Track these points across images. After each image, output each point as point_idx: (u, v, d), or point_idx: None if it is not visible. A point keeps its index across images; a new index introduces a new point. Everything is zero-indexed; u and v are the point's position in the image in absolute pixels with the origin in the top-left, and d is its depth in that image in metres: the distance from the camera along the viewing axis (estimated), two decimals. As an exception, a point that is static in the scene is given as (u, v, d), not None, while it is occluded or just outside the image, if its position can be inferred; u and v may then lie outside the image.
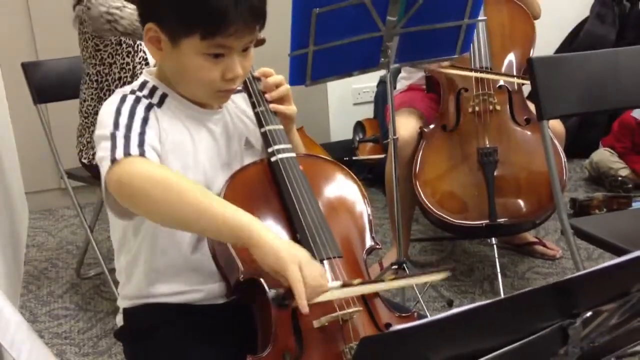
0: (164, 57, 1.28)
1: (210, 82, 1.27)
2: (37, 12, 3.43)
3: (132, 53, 2.47)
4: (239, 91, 1.45)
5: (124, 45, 2.46)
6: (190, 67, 1.25)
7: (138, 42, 2.46)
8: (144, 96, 1.29)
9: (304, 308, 1.11)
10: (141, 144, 1.19)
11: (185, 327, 1.32)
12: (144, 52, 2.47)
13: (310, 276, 1.12)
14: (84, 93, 2.56)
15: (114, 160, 1.17)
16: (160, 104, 1.30)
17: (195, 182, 1.21)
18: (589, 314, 0.81)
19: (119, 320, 1.41)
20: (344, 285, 1.18)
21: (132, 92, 1.29)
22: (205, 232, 1.22)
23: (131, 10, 2.34)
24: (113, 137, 1.20)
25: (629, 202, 3.05)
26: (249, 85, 1.40)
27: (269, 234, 1.13)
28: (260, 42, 1.57)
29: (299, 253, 1.14)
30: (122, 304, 1.40)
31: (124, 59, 2.46)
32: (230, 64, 1.25)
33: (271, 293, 1.14)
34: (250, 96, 1.40)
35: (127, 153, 1.17)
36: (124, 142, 1.18)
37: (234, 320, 1.30)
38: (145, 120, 1.24)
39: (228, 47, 1.23)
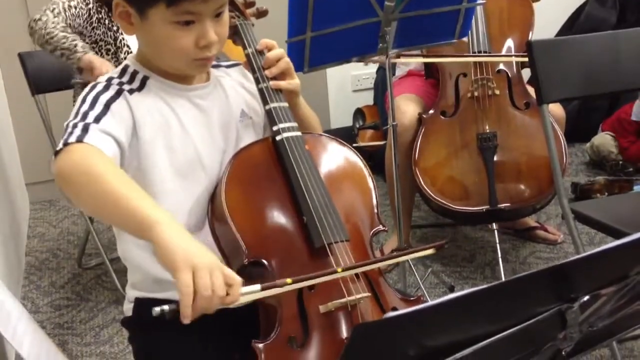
0: (136, 32, 1.27)
1: (184, 51, 1.24)
2: (33, 1, 3.41)
3: (113, 50, 2.44)
4: (235, 64, 1.43)
5: (101, 44, 2.44)
6: (162, 38, 1.23)
7: (120, 37, 2.43)
8: (119, 83, 1.28)
9: (185, 319, 1.02)
10: (85, 129, 1.17)
11: (194, 325, 1.31)
12: (128, 46, 2.45)
13: (204, 285, 1.01)
14: (75, 89, 2.56)
15: (55, 154, 1.15)
16: (141, 87, 1.29)
17: (121, 173, 1.15)
18: (586, 297, 0.80)
19: (127, 309, 1.40)
20: (265, 289, 1.10)
21: (108, 79, 1.29)
22: (118, 225, 1.17)
23: (41, 24, 2.29)
24: (66, 128, 1.18)
25: (630, 185, 3.04)
26: (252, 60, 1.38)
27: (172, 235, 1.04)
28: (263, 13, 1.53)
29: (196, 258, 1.02)
30: (132, 293, 1.38)
31: (103, 57, 2.42)
32: (203, 30, 1.22)
33: (155, 312, 1.03)
34: (253, 72, 1.38)
35: (66, 143, 1.15)
36: (69, 131, 1.17)
37: (242, 323, 1.29)
38: (107, 107, 1.22)
39: (197, 12, 1.21)
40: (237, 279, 1.05)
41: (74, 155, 1.14)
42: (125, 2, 1.23)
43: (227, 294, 1.04)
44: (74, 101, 2.56)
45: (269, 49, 1.39)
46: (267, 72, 1.36)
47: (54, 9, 2.34)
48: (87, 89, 1.27)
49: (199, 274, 1.01)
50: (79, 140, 1.15)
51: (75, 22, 2.36)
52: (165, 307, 1.03)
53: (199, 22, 1.22)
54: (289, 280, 1.12)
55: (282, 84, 1.37)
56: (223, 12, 1.25)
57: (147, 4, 1.21)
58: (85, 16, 2.39)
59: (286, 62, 1.38)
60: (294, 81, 1.39)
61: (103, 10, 2.38)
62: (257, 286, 1.09)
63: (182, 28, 1.22)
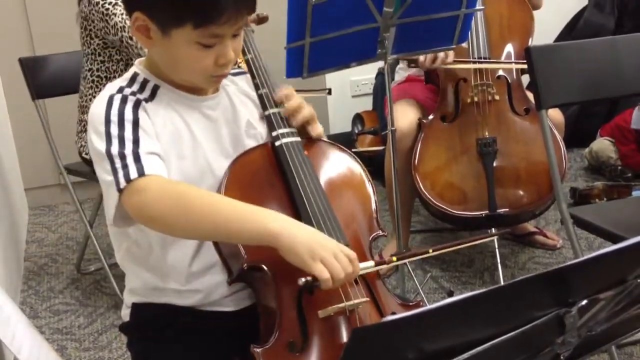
0: (154, 46, 1.27)
1: (203, 70, 1.25)
2: (33, 6, 3.42)
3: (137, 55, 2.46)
4: (241, 72, 1.43)
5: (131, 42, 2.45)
6: (183, 57, 1.24)
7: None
8: (132, 93, 1.27)
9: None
10: (137, 158, 1.19)
11: (193, 330, 1.32)
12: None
13: (337, 271, 1.12)
14: (84, 87, 2.56)
15: (120, 190, 1.17)
16: (152, 96, 1.29)
17: (206, 192, 1.22)
18: (585, 302, 0.80)
19: (125, 314, 1.40)
20: (378, 264, 1.22)
21: (120, 89, 1.28)
22: (230, 240, 1.22)
23: None
24: (110, 156, 1.20)
25: (629, 190, 3.04)
26: (252, 65, 1.39)
27: (290, 235, 1.13)
28: (264, 20, 1.53)
29: (319, 250, 1.13)
30: (129, 298, 1.38)
31: (129, 56, 2.44)
32: (224, 50, 1.23)
33: (301, 282, 1.15)
34: (253, 77, 1.38)
35: (128, 179, 1.17)
36: (121, 163, 1.19)
37: (242, 328, 1.29)
38: (136, 124, 1.23)
39: (221, 35, 1.22)
40: (353, 253, 1.17)
41: (152, 192, 1.17)
42: (148, 18, 1.22)
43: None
44: (80, 95, 2.56)
45: (288, 99, 1.37)
46: (293, 123, 1.35)
47: None
48: (104, 104, 1.25)
49: (328, 262, 1.13)
50: (140, 173, 1.18)
51: None
52: (310, 280, 1.15)
53: (220, 43, 1.23)
54: (394, 257, 1.24)
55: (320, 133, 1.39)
56: (241, 31, 1.27)
57: (173, 24, 1.20)
58: None
59: (309, 111, 1.38)
60: (319, 129, 1.40)
61: None
62: (371, 262, 1.23)
63: (204, 49, 1.22)
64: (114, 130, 1.22)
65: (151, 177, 1.18)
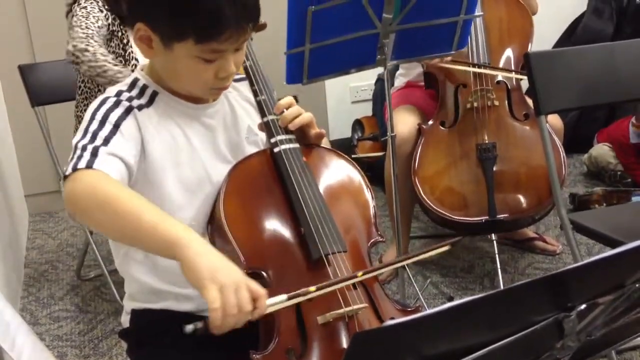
0: (155, 56, 1.27)
1: (204, 82, 1.26)
2: (34, 14, 3.42)
3: (122, 63, 2.45)
4: (244, 78, 1.43)
5: (112, 56, 2.44)
6: (183, 69, 1.24)
7: (130, 50, 2.44)
8: (129, 98, 1.28)
9: (216, 332, 1.06)
10: (95, 153, 1.18)
11: (192, 336, 1.31)
12: (136, 59, 2.45)
13: (230, 304, 1.04)
14: (80, 97, 2.56)
15: (65, 177, 1.17)
16: (150, 102, 1.30)
17: (134, 195, 1.16)
18: (583, 306, 0.81)
19: (125, 320, 1.40)
20: (291, 298, 1.12)
21: (118, 93, 1.29)
22: (140, 247, 1.19)
23: (90, 55, 2.27)
24: (75, 149, 1.20)
25: (629, 196, 3.04)
26: (250, 72, 1.39)
27: (196, 253, 1.06)
28: (261, 27, 1.53)
29: (221, 276, 1.05)
30: (129, 305, 1.39)
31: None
32: (224, 64, 1.24)
33: (187, 329, 1.07)
34: (251, 84, 1.39)
35: (75, 168, 1.17)
36: (78, 154, 1.18)
37: (241, 335, 1.29)
38: (116, 127, 1.23)
39: (222, 50, 1.22)
40: (262, 291, 1.08)
41: (83, 183, 1.15)
42: (150, 30, 1.22)
43: (255, 307, 1.07)
44: (76, 105, 2.57)
45: (287, 108, 1.36)
46: (290, 126, 1.34)
47: (91, 34, 2.31)
48: (96, 103, 1.27)
49: (225, 292, 1.04)
50: (89, 165, 1.16)
51: (101, 39, 2.37)
52: (198, 324, 1.06)
53: (221, 57, 1.23)
54: (312, 288, 1.14)
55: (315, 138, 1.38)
56: (243, 45, 1.27)
57: (175, 38, 1.21)
58: (104, 31, 2.39)
59: (309, 117, 1.37)
60: (319, 132, 1.39)
61: (116, 23, 2.38)
62: (284, 296, 1.12)
63: (205, 62, 1.23)
64: (93, 127, 1.23)
65: (92, 171, 1.16)
